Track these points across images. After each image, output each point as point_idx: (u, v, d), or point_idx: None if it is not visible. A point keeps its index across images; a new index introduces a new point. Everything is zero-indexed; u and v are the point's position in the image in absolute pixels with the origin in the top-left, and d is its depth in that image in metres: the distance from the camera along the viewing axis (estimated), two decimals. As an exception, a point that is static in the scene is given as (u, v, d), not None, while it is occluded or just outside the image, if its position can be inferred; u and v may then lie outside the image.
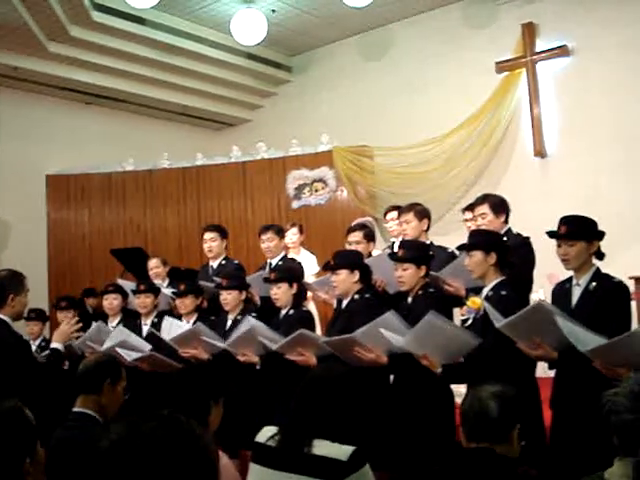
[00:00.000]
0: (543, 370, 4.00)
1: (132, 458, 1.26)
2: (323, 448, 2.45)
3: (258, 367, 4.80)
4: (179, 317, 5.60)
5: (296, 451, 2.49)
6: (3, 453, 1.70)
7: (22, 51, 8.86)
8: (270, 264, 5.86)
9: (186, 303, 5.50)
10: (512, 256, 4.09)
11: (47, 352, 4.61)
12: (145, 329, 5.78)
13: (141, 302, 5.84)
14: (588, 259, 3.68)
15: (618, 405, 2.00)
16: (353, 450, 2.41)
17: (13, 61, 8.97)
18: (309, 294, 6.26)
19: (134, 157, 10.25)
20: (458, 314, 4.55)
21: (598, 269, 3.69)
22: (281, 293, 4.94)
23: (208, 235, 6.10)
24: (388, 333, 3.90)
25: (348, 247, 5.28)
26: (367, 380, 3.53)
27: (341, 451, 2.42)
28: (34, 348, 5.61)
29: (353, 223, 5.94)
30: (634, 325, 3.56)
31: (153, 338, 5.50)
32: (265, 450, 2.61)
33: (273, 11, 9.45)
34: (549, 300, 3.91)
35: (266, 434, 2.66)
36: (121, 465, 1.26)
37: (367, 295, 4.60)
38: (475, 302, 3.90)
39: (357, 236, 5.32)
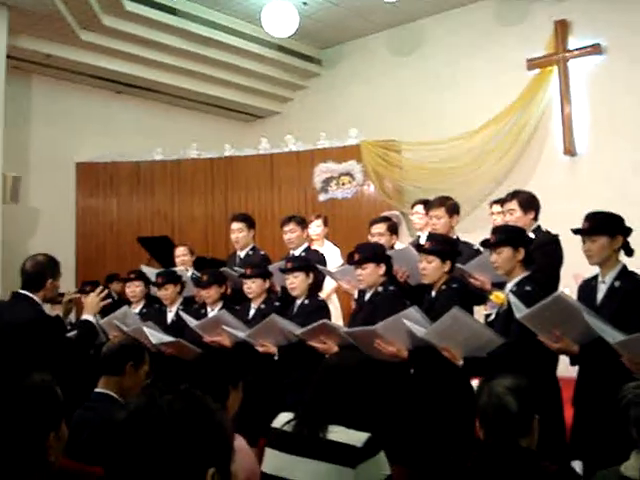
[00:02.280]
0: (567, 370, 3.97)
1: (148, 429, 1.29)
2: (338, 434, 2.46)
3: (276, 357, 4.81)
4: (203, 304, 5.63)
5: (311, 436, 2.50)
6: (29, 424, 1.72)
7: (55, 39, 8.94)
8: (293, 255, 5.86)
9: (210, 293, 5.51)
10: (538, 252, 4.07)
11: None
12: (170, 316, 5.82)
13: (162, 294, 5.86)
14: (612, 255, 3.67)
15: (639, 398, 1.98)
16: (368, 437, 2.42)
17: (46, 49, 9.06)
18: (334, 285, 6.27)
19: (163, 147, 10.33)
20: (478, 312, 4.55)
21: (625, 266, 3.68)
22: (298, 282, 4.95)
23: (235, 225, 6.09)
24: (411, 324, 3.90)
25: (371, 239, 5.28)
26: (383, 368, 3.54)
27: (356, 437, 2.43)
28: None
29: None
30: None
31: (178, 325, 5.55)
32: (281, 435, 2.62)
33: (304, 3, 9.45)
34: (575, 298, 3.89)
35: (282, 420, 2.67)
36: (137, 435, 1.29)
37: (391, 288, 4.60)
38: (498, 297, 3.88)
39: (380, 228, 5.31)
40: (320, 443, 2.47)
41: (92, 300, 4.68)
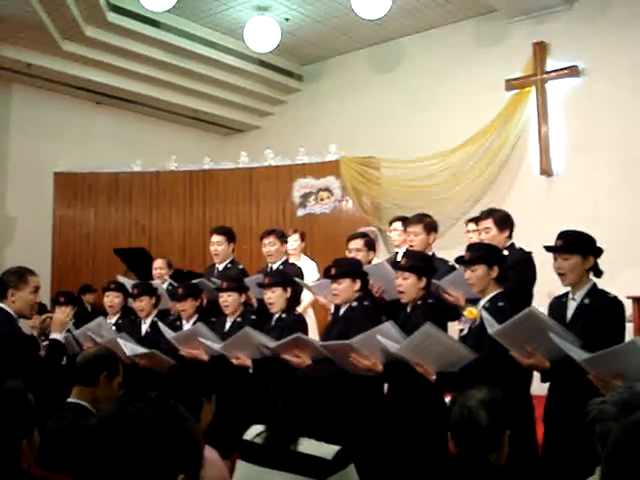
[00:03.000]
0: (540, 389, 4.00)
1: (118, 434, 1.30)
2: (309, 446, 2.47)
3: (251, 371, 4.81)
4: (178, 317, 5.62)
5: (282, 448, 2.51)
6: (2, 430, 1.73)
7: (36, 48, 8.95)
8: (271, 268, 5.87)
9: (185, 307, 5.49)
10: (511, 270, 4.11)
11: (46, 342, 4.64)
12: (144, 328, 5.80)
13: (137, 306, 5.85)
14: (584, 274, 3.71)
15: (605, 413, 2.00)
16: (338, 450, 2.43)
17: (27, 58, 9.06)
18: (310, 299, 6.29)
19: (142, 158, 10.32)
20: (452, 327, 4.57)
21: (594, 285, 3.72)
22: (275, 297, 4.95)
23: (215, 238, 6.08)
24: (384, 340, 3.92)
25: (348, 254, 5.30)
26: (355, 381, 3.55)
27: (326, 450, 2.44)
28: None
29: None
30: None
31: (153, 336, 5.53)
32: (252, 447, 2.63)
33: (287, 19, 9.52)
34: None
35: (254, 432, 2.68)
36: (107, 441, 1.30)
37: (366, 303, 4.62)
38: (472, 312, 3.91)
39: (358, 244, 5.34)
40: (290, 455, 2.48)
41: (58, 319, 4.67)
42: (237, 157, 10.32)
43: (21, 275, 4.23)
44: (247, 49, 9.82)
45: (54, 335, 4.55)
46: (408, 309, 4.36)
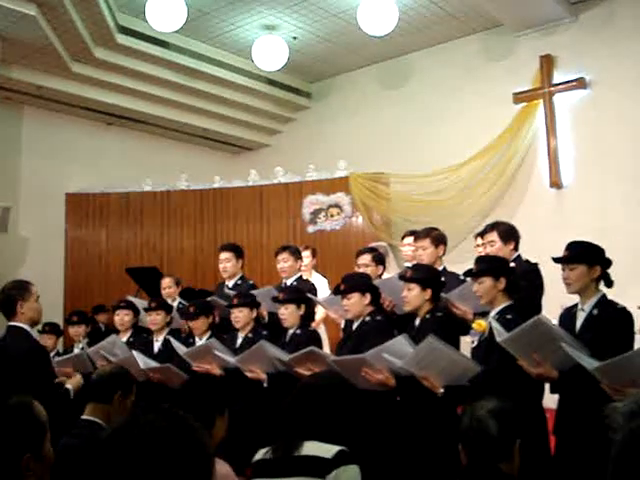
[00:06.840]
0: (553, 401, 3.99)
1: (130, 445, 1.31)
2: (311, 448, 2.51)
3: (265, 385, 4.82)
4: (190, 334, 5.64)
5: (287, 455, 2.53)
6: (2, 445, 1.74)
7: (47, 71, 9.02)
8: (285, 284, 5.90)
9: (198, 325, 5.52)
10: (521, 281, 4.12)
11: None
12: (157, 345, 5.83)
13: (152, 319, 5.89)
14: (590, 284, 3.74)
15: (614, 423, 1.99)
16: (339, 449, 2.46)
17: (37, 80, 9.13)
18: (322, 315, 6.30)
19: (153, 178, 10.38)
20: (465, 340, 4.57)
21: (604, 295, 3.74)
22: (288, 314, 5.00)
23: (223, 255, 6.14)
24: (388, 356, 3.93)
25: (357, 270, 5.32)
26: (356, 389, 3.57)
27: (327, 450, 2.47)
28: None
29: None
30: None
31: (165, 354, 5.55)
32: (262, 463, 2.65)
33: (294, 38, 9.58)
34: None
35: (261, 453, 2.70)
36: (119, 451, 1.31)
37: (378, 317, 4.63)
38: (481, 324, 3.93)
39: (366, 259, 5.36)
40: (295, 460, 2.50)
41: (77, 379, 4.63)
42: (247, 175, 10.35)
43: (22, 286, 4.33)
44: (256, 68, 9.88)
45: (68, 386, 4.49)
46: (417, 322, 4.38)
